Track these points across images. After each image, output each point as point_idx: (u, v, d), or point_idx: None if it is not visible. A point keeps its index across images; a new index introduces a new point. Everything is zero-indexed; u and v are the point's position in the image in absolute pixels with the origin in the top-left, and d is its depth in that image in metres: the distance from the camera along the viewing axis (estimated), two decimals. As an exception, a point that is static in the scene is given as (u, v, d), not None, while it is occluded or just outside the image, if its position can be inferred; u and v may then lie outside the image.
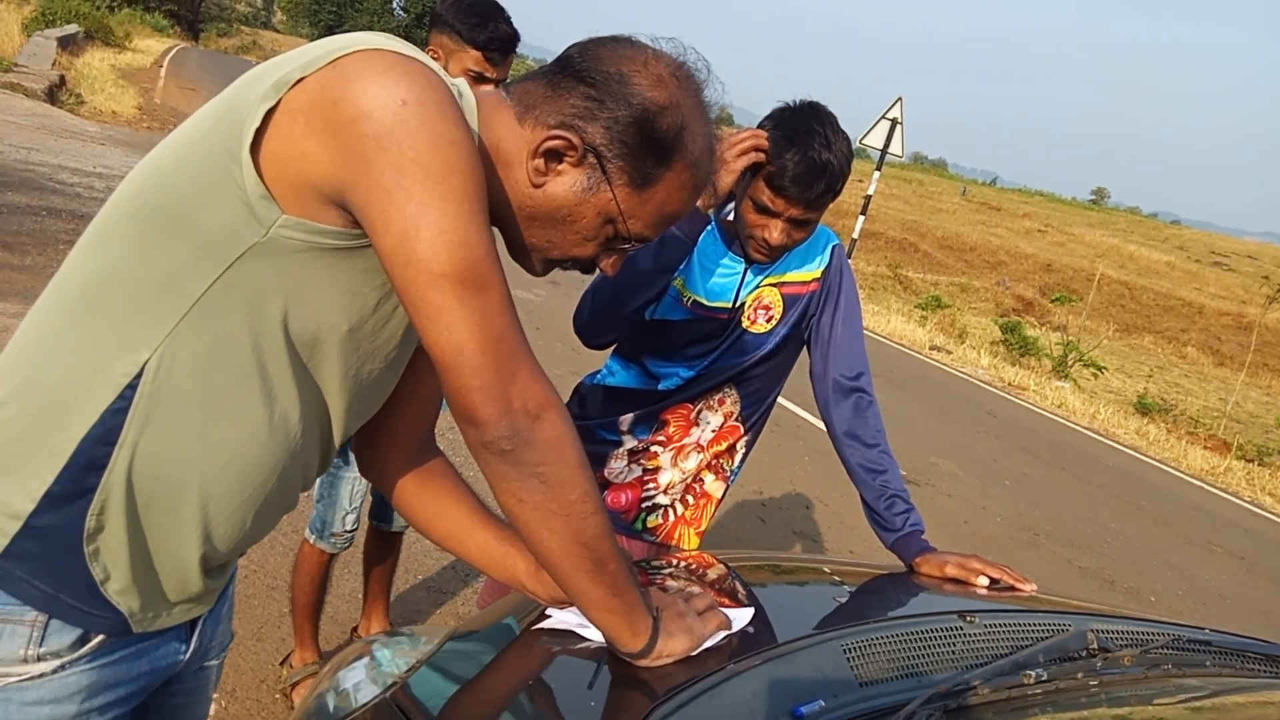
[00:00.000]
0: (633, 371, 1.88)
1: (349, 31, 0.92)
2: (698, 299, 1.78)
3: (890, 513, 1.73)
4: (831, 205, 1.71)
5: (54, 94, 11.74)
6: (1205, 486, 9.04)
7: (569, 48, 0.99)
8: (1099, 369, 13.79)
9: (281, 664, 2.50)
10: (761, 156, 1.61)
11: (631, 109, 0.94)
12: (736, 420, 1.90)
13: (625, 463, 1.89)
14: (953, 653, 1.18)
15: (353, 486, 2.28)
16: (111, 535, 0.88)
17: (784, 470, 5.42)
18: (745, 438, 1.94)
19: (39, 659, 0.88)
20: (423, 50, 1.25)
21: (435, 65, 0.89)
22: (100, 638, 0.92)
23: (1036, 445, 8.50)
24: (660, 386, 1.85)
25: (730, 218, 1.78)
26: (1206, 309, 31.83)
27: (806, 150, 1.59)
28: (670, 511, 1.93)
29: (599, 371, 1.95)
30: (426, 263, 0.82)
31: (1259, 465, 10.73)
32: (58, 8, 19.16)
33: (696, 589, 1.28)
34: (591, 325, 1.79)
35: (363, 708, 1.09)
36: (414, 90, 0.82)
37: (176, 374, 0.86)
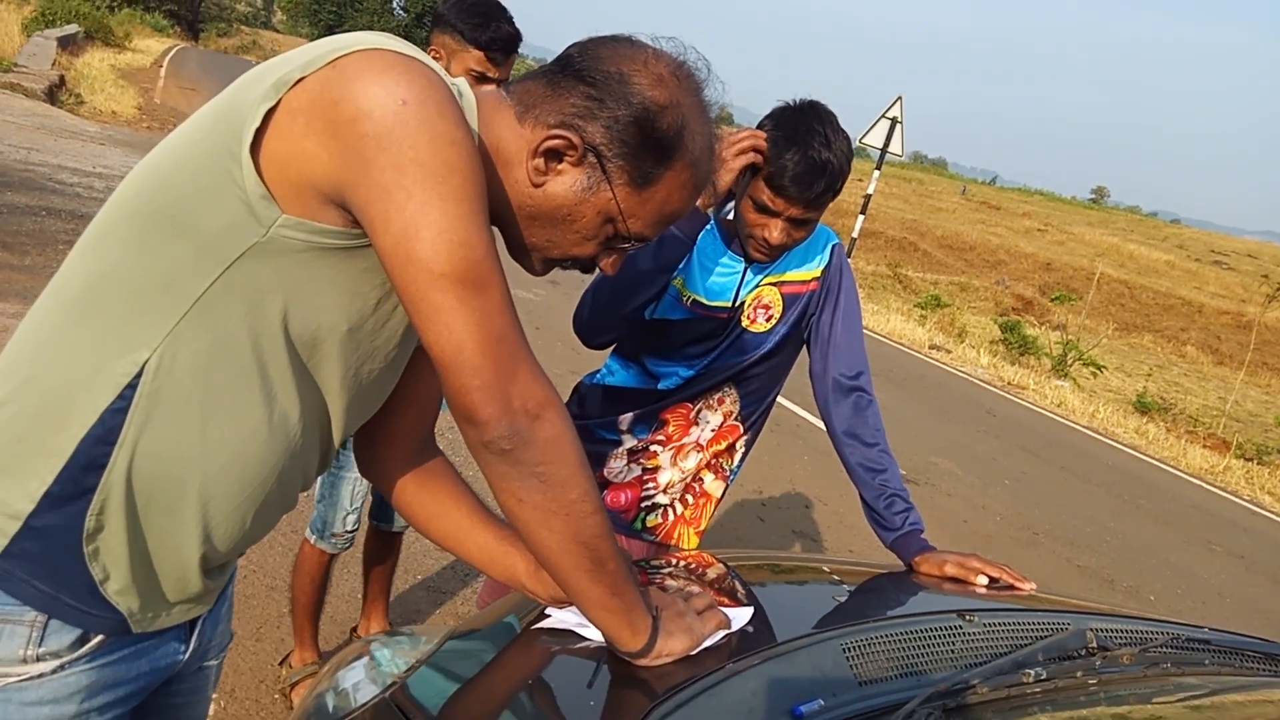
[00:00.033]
0: (632, 371, 1.88)
1: (349, 31, 0.92)
2: (697, 298, 1.78)
3: (890, 512, 1.73)
4: (831, 204, 1.71)
5: (54, 94, 11.74)
6: (1204, 485, 9.05)
7: (569, 47, 0.99)
8: (1098, 368, 13.80)
9: (281, 664, 2.50)
10: (759, 157, 1.61)
11: (632, 108, 0.94)
12: (736, 419, 1.90)
13: (625, 462, 1.89)
14: (952, 652, 1.19)
15: (354, 487, 2.28)
16: (111, 535, 0.89)
17: (783, 470, 5.42)
18: (745, 437, 1.94)
19: (38, 659, 0.88)
20: (424, 50, 1.25)
21: (435, 65, 0.89)
22: (100, 638, 0.92)
23: (1036, 444, 8.50)
24: (660, 386, 1.85)
25: (730, 217, 1.78)
26: (1206, 308, 31.83)
27: (806, 150, 1.59)
28: (670, 511, 1.93)
29: (598, 371, 1.95)
30: (426, 262, 0.82)
31: (1258, 464, 10.73)
32: (58, 8, 19.15)
33: (696, 588, 1.29)
34: (591, 324, 1.79)
35: (362, 707, 1.09)
36: (414, 90, 0.82)
37: (176, 374, 0.86)
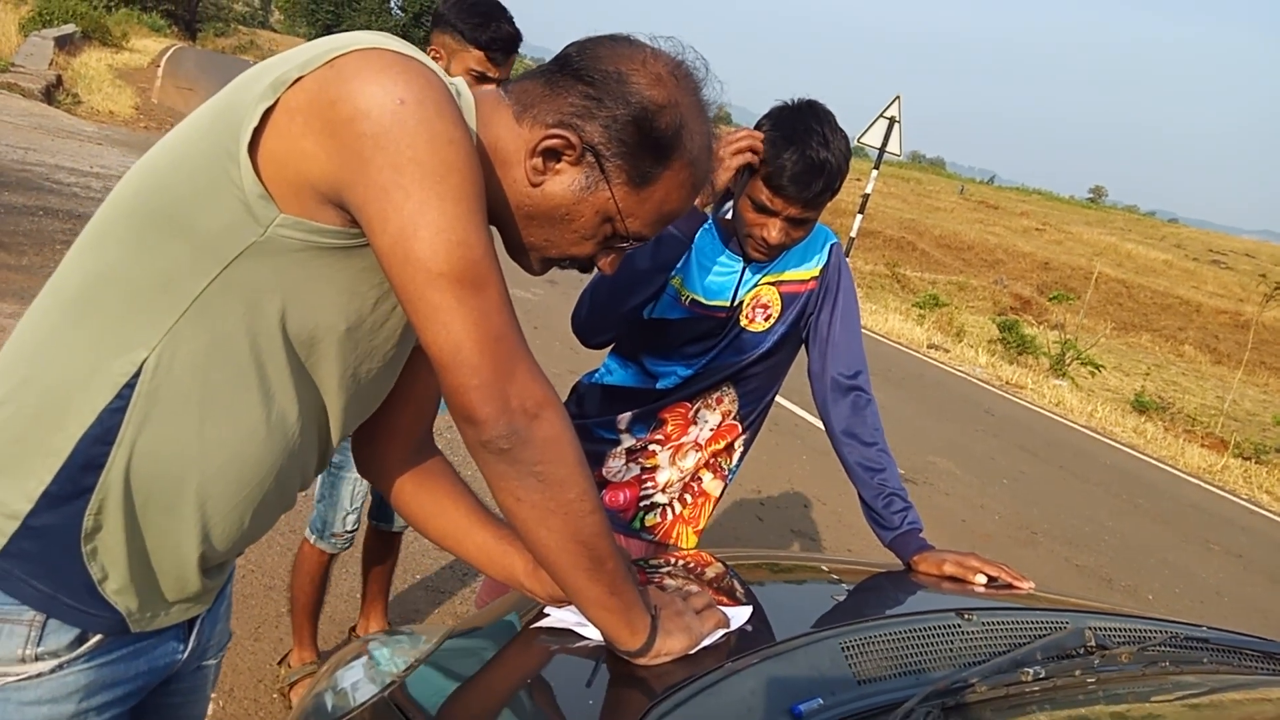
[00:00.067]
0: (631, 370, 1.88)
1: (346, 31, 0.92)
2: (696, 297, 1.78)
3: (888, 511, 1.74)
4: (829, 204, 1.71)
5: (51, 94, 11.73)
6: (1202, 484, 9.06)
7: (567, 46, 0.99)
8: (1096, 367, 13.81)
9: (279, 663, 2.50)
10: (756, 157, 1.61)
11: (630, 108, 0.94)
12: (734, 419, 1.90)
13: (623, 461, 1.89)
14: (951, 650, 1.19)
15: (354, 487, 2.28)
16: (109, 535, 0.88)
17: (782, 469, 5.43)
18: (743, 436, 1.94)
19: (37, 659, 0.88)
20: (424, 50, 1.25)
21: (433, 64, 0.89)
22: (98, 637, 0.92)
23: (1034, 443, 8.51)
24: (658, 385, 1.85)
25: (728, 216, 1.78)
26: (1204, 307, 31.86)
27: (804, 149, 1.59)
28: (668, 510, 1.93)
29: (597, 370, 1.95)
30: (424, 262, 0.82)
31: (1256, 463, 10.74)
32: (55, 7, 19.13)
33: (695, 587, 1.29)
34: (590, 324, 1.79)
35: (361, 707, 1.09)
36: (412, 89, 0.82)
37: (174, 373, 0.86)
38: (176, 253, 0.85)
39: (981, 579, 1.56)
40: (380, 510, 2.49)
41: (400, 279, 0.84)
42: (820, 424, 1.90)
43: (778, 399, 2.00)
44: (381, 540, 2.55)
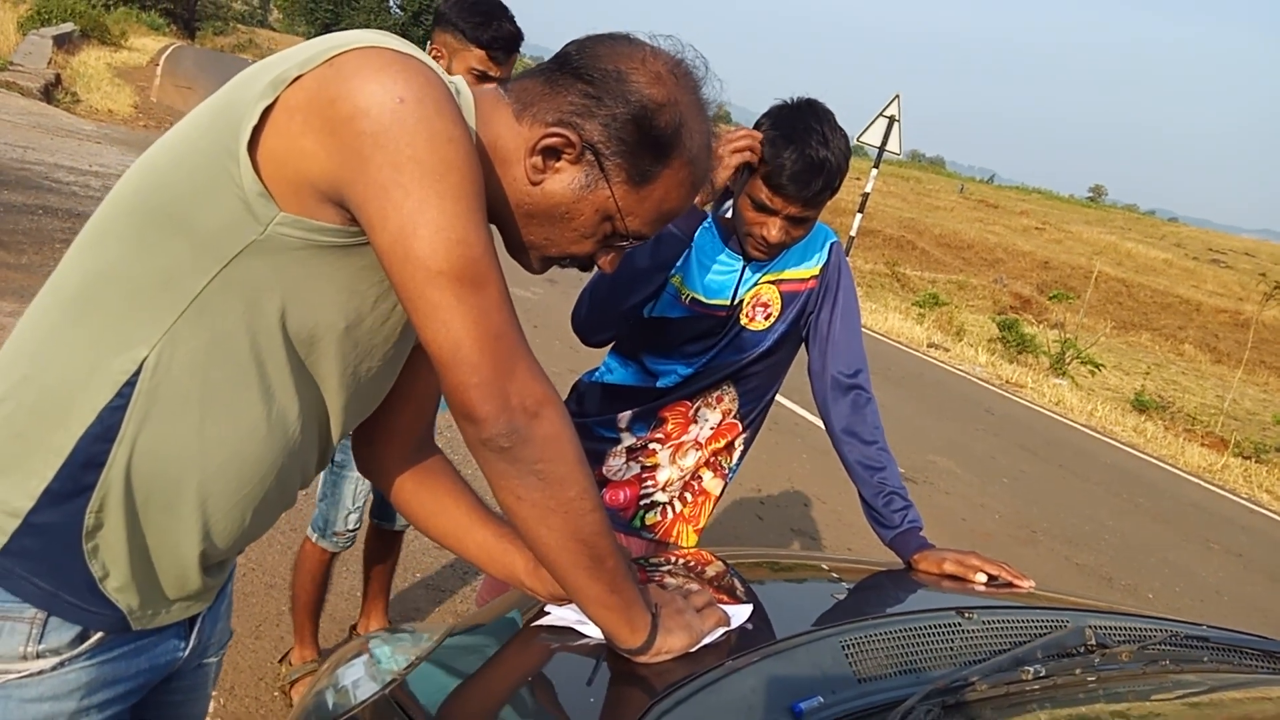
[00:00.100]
0: (631, 369, 1.88)
1: (345, 29, 0.92)
2: (696, 296, 1.78)
3: (888, 510, 1.74)
4: (829, 203, 1.71)
5: (50, 92, 11.72)
6: (1202, 483, 9.06)
7: (567, 45, 0.99)
8: (1096, 366, 13.81)
9: (280, 661, 2.50)
10: (755, 156, 1.61)
11: (629, 106, 0.94)
12: (735, 418, 1.90)
13: (624, 460, 1.89)
14: (951, 649, 1.19)
15: (356, 486, 2.28)
16: (110, 532, 0.89)
17: (782, 468, 5.43)
18: (743, 435, 1.94)
19: (38, 656, 0.88)
20: (425, 49, 1.25)
21: (432, 63, 0.89)
22: (99, 635, 0.92)
23: (1034, 443, 8.51)
24: (659, 384, 1.85)
25: (728, 215, 1.78)
26: (1204, 306, 31.87)
27: (804, 148, 1.59)
28: (669, 509, 1.94)
29: (597, 369, 1.95)
30: (424, 260, 0.82)
31: (1256, 462, 10.74)
32: (53, 6, 19.12)
33: (695, 586, 1.29)
34: (590, 322, 1.79)
35: (361, 704, 1.09)
36: (411, 88, 0.82)
37: (174, 371, 0.86)
38: (176, 251, 0.85)
39: (982, 578, 1.56)
40: (382, 509, 2.49)
41: (400, 277, 0.84)
42: (820, 423, 1.90)
43: (778, 398, 2.00)
44: (383, 539, 2.55)
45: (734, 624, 1.15)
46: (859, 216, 14.61)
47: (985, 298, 25.80)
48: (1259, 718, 1.18)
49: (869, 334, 11.49)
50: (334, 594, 2.80)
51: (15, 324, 0.92)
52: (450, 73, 1.49)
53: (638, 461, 1.89)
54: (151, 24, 33.36)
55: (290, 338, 0.90)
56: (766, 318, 1.82)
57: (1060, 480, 7.38)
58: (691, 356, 1.83)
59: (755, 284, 1.80)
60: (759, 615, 1.22)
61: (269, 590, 2.83)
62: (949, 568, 1.59)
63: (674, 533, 1.95)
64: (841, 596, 1.43)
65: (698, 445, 1.90)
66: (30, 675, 0.88)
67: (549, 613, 1.14)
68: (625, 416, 1.88)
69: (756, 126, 1.66)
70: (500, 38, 2.08)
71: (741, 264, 1.79)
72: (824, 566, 1.63)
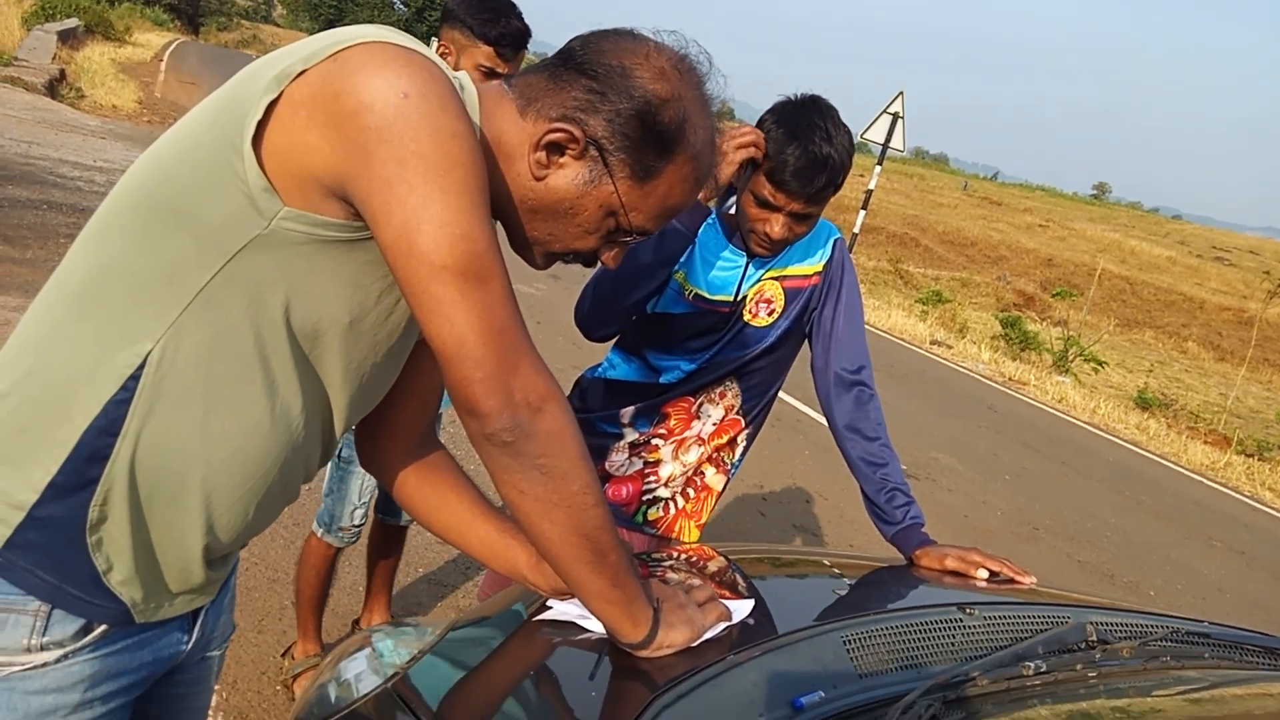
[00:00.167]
0: (634, 364, 1.88)
1: (349, 25, 0.92)
2: (699, 292, 1.78)
3: (890, 506, 1.74)
4: (832, 200, 1.71)
5: (54, 88, 11.73)
6: (1205, 481, 9.05)
7: (571, 40, 0.99)
8: (1099, 364, 13.79)
9: (283, 656, 2.51)
10: (759, 152, 1.61)
11: (633, 101, 0.94)
12: (737, 413, 1.90)
13: (626, 456, 1.90)
14: (952, 645, 1.19)
15: (362, 481, 2.28)
16: (114, 526, 0.89)
17: (784, 464, 5.43)
18: (746, 431, 1.95)
19: (42, 649, 0.89)
20: (429, 44, 1.25)
21: (437, 58, 0.89)
22: (103, 628, 0.92)
23: (1037, 440, 8.50)
24: (661, 380, 1.85)
25: (732, 211, 1.78)
26: (1207, 304, 31.80)
27: (807, 144, 1.59)
28: (671, 504, 1.94)
29: (600, 365, 1.95)
30: (428, 255, 0.82)
31: (1259, 460, 10.73)
32: (58, 2, 19.14)
33: (697, 581, 1.29)
34: (593, 318, 1.79)
35: (364, 698, 1.09)
36: (416, 83, 0.82)
37: (178, 365, 0.86)
38: (181, 245, 0.85)
39: (983, 574, 1.56)
40: (386, 504, 2.50)
41: (404, 272, 0.84)
42: (823, 419, 1.90)
43: (780, 394, 2.00)
44: (387, 534, 2.56)
45: (735, 619, 1.15)
46: (862, 213, 14.59)
47: (988, 295, 25.76)
48: (1260, 714, 1.18)
49: (872, 331, 11.48)
50: (337, 588, 2.80)
51: (20, 319, 0.93)
52: (458, 69, 1.49)
53: (640, 457, 1.89)
54: (156, 19, 33.39)
55: (294, 332, 0.90)
56: (770, 314, 1.82)
57: (1062, 477, 7.38)
58: (695, 352, 1.83)
59: (758, 280, 1.80)
60: (760, 610, 1.22)
61: (272, 584, 2.84)
62: (951, 564, 1.59)
63: (676, 528, 1.95)
64: (843, 592, 1.44)
65: (700, 441, 1.90)
66: (34, 668, 0.89)
67: (551, 607, 1.14)
68: (628, 412, 1.88)
69: (760, 123, 1.67)
70: (508, 34, 2.08)
71: (745, 260, 1.79)
72: (826, 562, 1.63)
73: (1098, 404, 11.54)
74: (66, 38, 16.62)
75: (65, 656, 0.90)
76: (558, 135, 0.94)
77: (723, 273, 1.79)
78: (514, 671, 1.09)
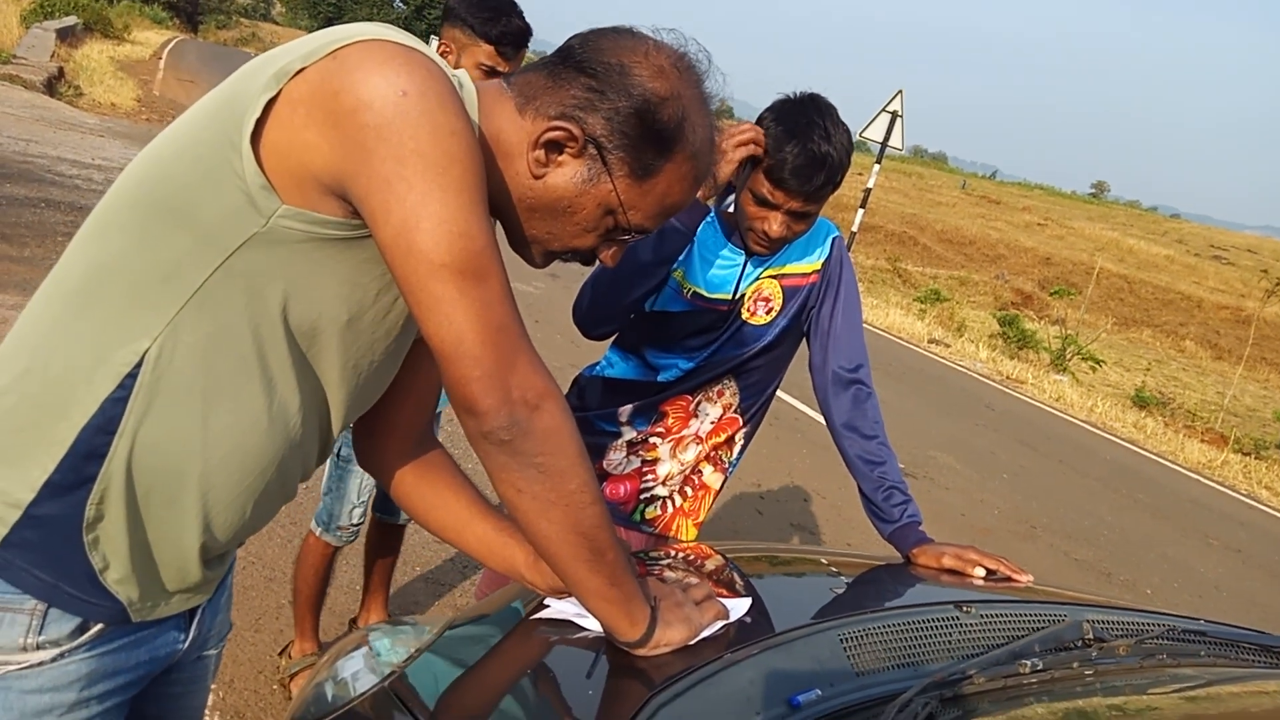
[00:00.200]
0: (632, 363, 1.88)
1: (349, 23, 0.92)
2: (698, 290, 1.78)
3: (888, 504, 1.74)
4: (831, 198, 1.71)
5: (52, 86, 11.72)
6: (1202, 480, 9.06)
7: (570, 39, 0.99)
8: (1097, 362, 13.81)
9: (280, 654, 2.51)
10: (759, 150, 1.61)
11: (632, 100, 0.94)
12: (735, 412, 1.91)
13: (624, 454, 1.90)
14: (949, 643, 1.19)
15: (360, 480, 2.28)
16: (111, 524, 0.89)
17: (782, 463, 5.43)
18: (744, 429, 1.95)
19: (38, 647, 0.89)
20: (428, 42, 1.25)
21: (436, 56, 0.89)
22: (99, 626, 0.92)
23: (1034, 438, 8.51)
24: (659, 378, 1.85)
25: (730, 209, 1.78)
26: (1205, 303, 31.83)
27: (806, 142, 1.59)
28: (669, 503, 1.94)
29: (598, 363, 1.95)
30: (427, 253, 0.82)
31: (1256, 459, 10.74)
32: (56, 0, 19.09)
33: (694, 579, 1.29)
34: (591, 316, 1.79)
35: (361, 697, 1.09)
36: (414, 81, 0.82)
37: (176, 363, 0.86)
38: (179, 243, 0.85)
39: (980, 572, 1.56)
40: (384, 503, 2.49)
41: (402, 270, 0.84)
42: (821, 418, 1.90)
43: (778, 393, 2.00)
44: (385, 533, 2.56)
45: (733, 617, 1.15)
46: (861, 212, 14.59)
47: (986, 294, 25.77)
48: (1255, 712, 1.18)
49: (870, 330, 11.48)
50: (334, 587, 2.80)
51: (17, 317, 0.92)
52: (459, 68, 1.49)
53: (638, 455, 1.90)
54: (154, 17, 33.35)
55: (292, 330, 0.90)
56: (768, 312, 1.82)
57: (1060, 476, 7.38)
58: (693, 351, 1.83)
59: (757, 278, 1.80)
60: (758, 609, 1.22)
61: (269, 584, 2.84)
62: (948, 562, 1.59)
63: (674, 527, 1.96)
64: (840, 590, 1.44)
65: (698, 439, 1.90)
66: (30, 666, 0.89)
67: (548, 606, 1.14)
68: (626, 410, 1.88)
69: (759, 121, 1.67)
70: (509, 33, 2.08)
71: (743, 258, 1.79)
72: (823, 561, 1.63)
73: (1095, 402, 11.55)
74: (65, 35, 16.59)
75: (61, 655, 0.90)
76: (556, 133, 0.94)
77: (721, 271, 1.79)
78: (511, 670, 1.09)
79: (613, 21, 1.04)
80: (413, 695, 1.04)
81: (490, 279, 0.85)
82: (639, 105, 0.94)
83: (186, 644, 1.05)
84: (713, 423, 1.89)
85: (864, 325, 1.91)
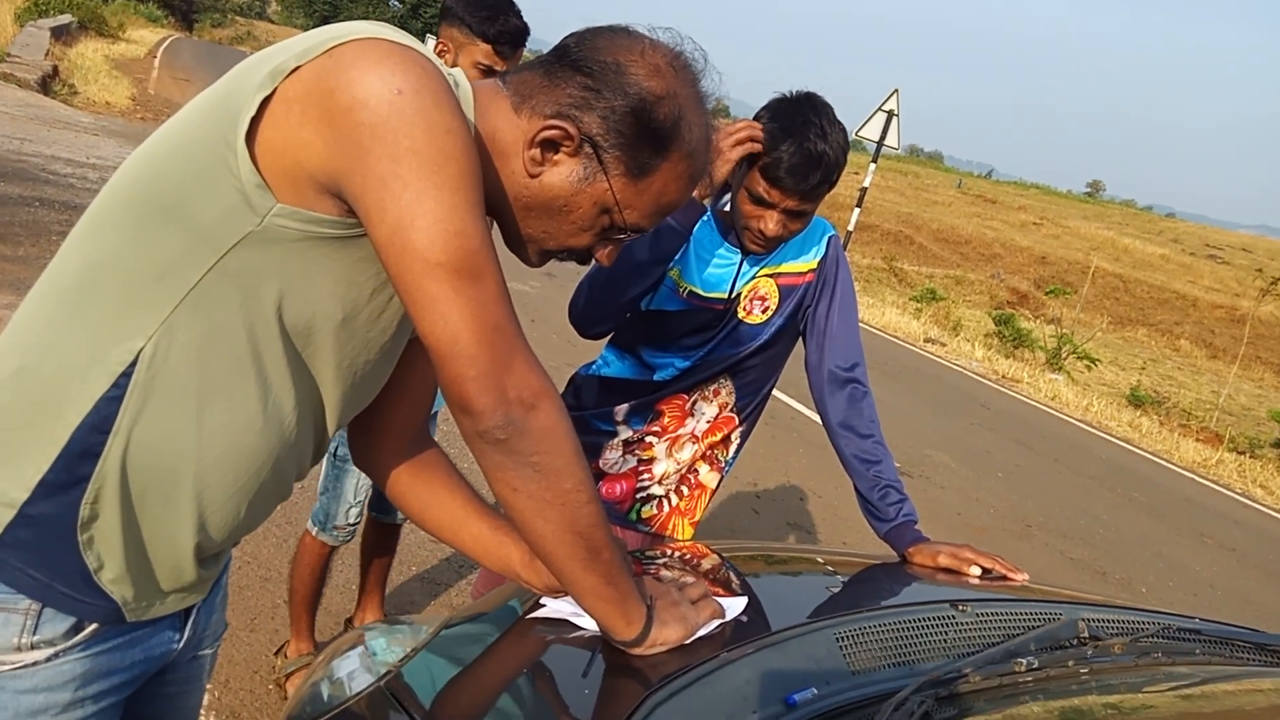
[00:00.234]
0: (628, 362, 1.88)
1: (344, 21, 0.92)
2: (694, 289, 1.78)
3: (884, 503, 1.74)
4: (827, 198, 1.71)
5: (47, 84, 11.68)
6: (1197, 478, 9.08)
7: (566, 37, 0.99)
8: (1092, 361, 13.83)
9: (276, 654, 2.50)
10: (757, 147, 1.61)
11: (628, 98, 0.94)
12: (731, 411, 1.91)
13: (620, 453, 1.90)
14: (945, 641, 1.19)
15: (357, 480, 2.28)
16: (105, 524, 0.89)
17: (778, 462, 5.43)
18: (740, 429, 1.95)
19: (32, 647, 0.88)
20: (424, 41, 1.25)
21: (431, 55, 0.89)
22: (94, 626, 0.92)
23: (1030, 437, 8.53)
24: (656, 377, 1.85)
25: (726, 208, 1.78)
26: (1200, 302, 31.90)
27: (802, 141, 1.59)
28: (665, 502, 1.94)
29: (594, 362, 1.95)
30: (422, 252, 0.82)
31: (1250, 457, 10.77)
32: (50, -2, 19.05)
33: (690, 578, 1.29)
34: (587, 315, 1.79)
35: (357, 696, 1.09)
36: (410, 79, 0.82)
37: (171, 362, 0.86)
38: (173, 241, 0.85)
39: (976, 571, 1.56)
40: (380, 502, 2.49)
41: (398, 269, 0.84)
42: (817, 418, 1.90)
43: (774, 393, 2.00)
44: (381, 532, 2.56)
45: (729, 616, 1.15)
46: (857, 211, 14.60)
47: (982, 293, 25.81)
48: (1250, 709, 1.18)
49: (866, 329, 11.50)
50: (330, 587, 2.80)
51: (11, 316, 0.92)
52: (456, 67, 1.49)
53: (634, 455, 1.90)
54: (149, 16, 33.27)
55: (287, 329, 0.90)
56: (764, 311, 1.82)
57: (1055, 475, 7.40)
58: (689, 350, 1.83)
59: (753, 277, 1.80)
60: (754, 608, 1.22)
61: (264, 583, 2.84)
62: (943, 561, 1.60)
63: (670, 526, 1.95)
64: (836, 589, 1.44)
65: (694, 439, 1.90)
66: (25, 666, 0.88)
67: (544, 605, 1.14)
68: (622, 409, 1.88)
69: (755, 120, 1.66)
70: (507, 32, 2.08)
71: (739, 257, 1.79)
72: (819, 560, 1.63)
73: (1090, 401, 11.57)
74: (60, 34, 16.54)
75: (56, 655, 0.90)
76: (552, 132, 0.94)
77: (717, 270, 1.79)
78: (507, 669, 1.09)
79: (610, 21, 1.04)
80: (409, 695, 1.04)
81: (486, 278, 0.85)
82: (635, 104, 0.94)
83: (181, 644, 1.05)
84: (709, 422, 1.90)
85: (860, 324, 1.91)
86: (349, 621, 2.71)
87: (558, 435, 0.91)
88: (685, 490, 1.95)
